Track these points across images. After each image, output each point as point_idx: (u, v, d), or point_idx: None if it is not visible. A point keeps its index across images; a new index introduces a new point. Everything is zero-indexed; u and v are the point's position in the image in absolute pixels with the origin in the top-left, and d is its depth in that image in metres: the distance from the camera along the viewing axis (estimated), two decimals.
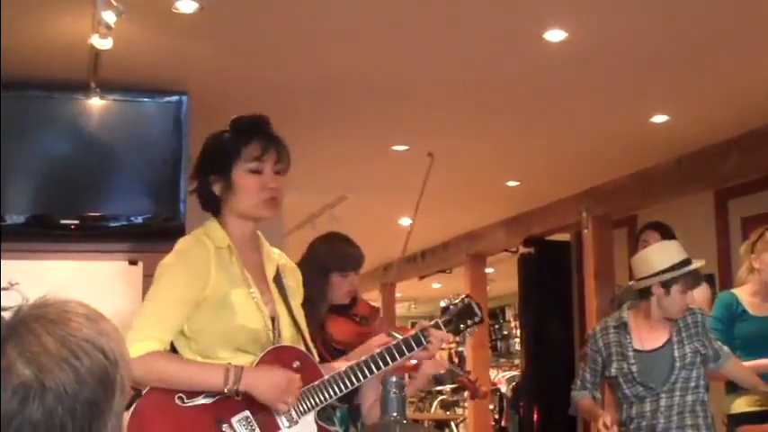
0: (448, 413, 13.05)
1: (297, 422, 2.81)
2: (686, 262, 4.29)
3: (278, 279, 2.99)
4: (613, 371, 4.36)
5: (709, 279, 5.21)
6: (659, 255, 4.33)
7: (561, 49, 4.78)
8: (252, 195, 2.86)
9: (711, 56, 5.00)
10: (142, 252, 4.97)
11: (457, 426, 11.20)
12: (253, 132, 2.90)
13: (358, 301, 3.95)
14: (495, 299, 16.27)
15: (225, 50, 4.83)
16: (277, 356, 2.82)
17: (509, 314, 18.99)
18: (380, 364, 2.91)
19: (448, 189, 8.18)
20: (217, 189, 2.89)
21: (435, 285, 15.94)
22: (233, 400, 2.72)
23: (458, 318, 3.09)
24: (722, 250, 7.48)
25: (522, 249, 10.07)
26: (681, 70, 5.24)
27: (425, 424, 10.96)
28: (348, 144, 6.77)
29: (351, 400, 3.77)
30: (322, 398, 2.85)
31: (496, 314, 18.82)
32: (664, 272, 4.26)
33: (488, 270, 11.89)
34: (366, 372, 2.89)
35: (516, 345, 16.33)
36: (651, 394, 4.27)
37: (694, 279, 4.32)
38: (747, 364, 4.63)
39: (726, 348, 4.48)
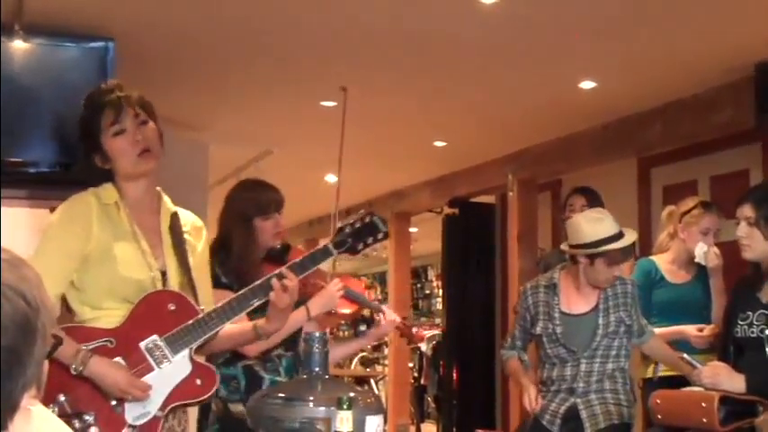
0: (368, 370, 13.11)
1: (171, 361, 2.95)
2: (617, 236, 4.28)
3: (173, 230, 3.14)
4: (538, 329, 4.41)
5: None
6: (590, 226, 4.31)
7: (494, 11, 4.78)
8: (125, 154, 3.07)
9: (640, 25, 5.04)
10: (63, 200, 4.87)
11: (377, 383, 11.27)
12: (103, 102, 3.11)
13: (291, 248, 3.92)
14: (418, 258, 16.34)
15: None
16: (150, 302, 2.99)
17: (431, 274, 19.11)
18: (238, 308, 3.03)
19: (374, 146, 8.17)
20: (99, 162, 3.11)
21: None
22: (106, 348, 2.91)
23: (355, 237, 3.14)
24: (643, 217, 7.58)
25: (447, 210, 10.10)
26: (610, 38, 5.27)
27: (345, 380, 11.01)
28: (276, 98, 6.71)
29: (297, 348, 3.79)
30: (194, 336, 2.97)
31: (419, 273, 18.92)
32: (589, 245, 4.27)
33: (412, 229, 11.92)
34: (226, 316, 3.01)
35: (438, 304, 16.46)
36: (572, 358, 4.32)
37: (622, 254, 4.33)
38: (663, 330, 4.71)
39: (651, 327, 4.54)
